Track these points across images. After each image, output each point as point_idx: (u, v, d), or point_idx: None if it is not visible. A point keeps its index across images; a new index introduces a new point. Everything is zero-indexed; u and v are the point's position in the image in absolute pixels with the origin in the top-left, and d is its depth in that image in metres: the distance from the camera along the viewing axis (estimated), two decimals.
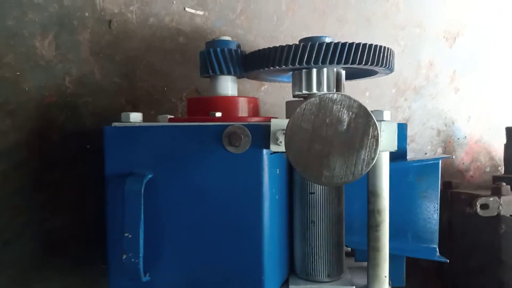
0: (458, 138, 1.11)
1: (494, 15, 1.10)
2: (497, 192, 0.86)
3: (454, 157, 0.85)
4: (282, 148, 0.55)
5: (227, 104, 0.65)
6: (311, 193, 0.62)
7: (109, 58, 0.82)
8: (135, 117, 0.61)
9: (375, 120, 0.41)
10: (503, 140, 1.02)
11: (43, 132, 0.79)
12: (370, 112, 0.41)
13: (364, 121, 0.41)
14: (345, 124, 0.41)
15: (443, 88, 1.08)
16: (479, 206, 0.85)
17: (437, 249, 0.70)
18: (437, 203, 0.70)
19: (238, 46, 0.68)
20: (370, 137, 0.41)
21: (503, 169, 1.05)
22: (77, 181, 0.81)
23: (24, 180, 0.78)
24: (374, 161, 0.42)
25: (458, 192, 0.97)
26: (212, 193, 0.58)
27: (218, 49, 0.66)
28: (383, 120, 0.56)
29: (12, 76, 0.77)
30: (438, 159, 0.69)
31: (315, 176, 0.42)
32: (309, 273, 0.63)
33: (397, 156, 0.69)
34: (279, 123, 0.54)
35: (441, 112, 1.08)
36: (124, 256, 0.55)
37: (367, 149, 0.41)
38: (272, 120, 0.54)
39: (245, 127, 0.56)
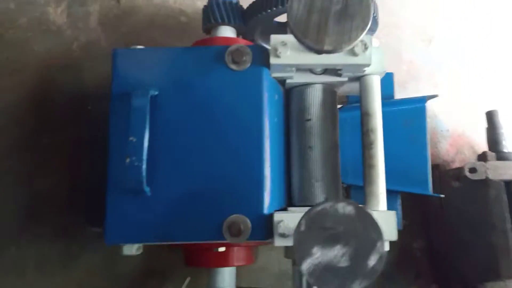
0: (442, 130, 1.16)
1: (466, 20, 1.21)
2: (483, 158, 0.89)
3: (438, 95, 0.87)
4: (282, 60, 0.59)
5: (229, 43, 0.70)
6: (307, 120, 0.65)
7: (115, 30, 0.88)
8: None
9: None
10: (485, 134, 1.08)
11: (44, 92, 0.82)
12: None
13: None
14: None
15: (424, 83, 1.16)
16: (467, 170, 0.87)
17: (430, 187, 0.71)
18: (426, 145, 0.73)
19: (238, 1, 0.75)
20: (363, 6, 0.46)
21: None
22: (72, 145, 0.82)
23: (18, 137, 0.80)
24: (367, 27, 0.46)
25: (446, 170, 1.00)
26: (214, 111, 0.61)
27: (220, 0, 0.72)
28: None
29: (23, 37, 0.82)
30: (423, 101, 0.74)
31: (315, 41, 0.46)
32: (307, 198, 0.63)
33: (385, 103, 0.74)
34: (279, 37, 0.59)
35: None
36: (128, 160, 0.55)
37: (361, 16, 0.46)
38: (271, 35, 0.59)
39: (247, 46, 0.61)
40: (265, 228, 0.57)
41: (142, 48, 0.64)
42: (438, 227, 0.96)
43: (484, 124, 1.09)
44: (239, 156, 0.59)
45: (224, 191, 0.58)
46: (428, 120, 1.14)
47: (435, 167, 1.03)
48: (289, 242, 0.55)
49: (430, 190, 0.71)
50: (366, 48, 0.57)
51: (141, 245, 0.62)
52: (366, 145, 0.62)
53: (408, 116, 0.73)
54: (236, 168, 0.59)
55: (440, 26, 1.19)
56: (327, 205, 0.42)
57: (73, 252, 0.79)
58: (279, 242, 0.55)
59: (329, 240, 0.41)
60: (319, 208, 0.42)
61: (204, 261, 0.65)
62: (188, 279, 0.83)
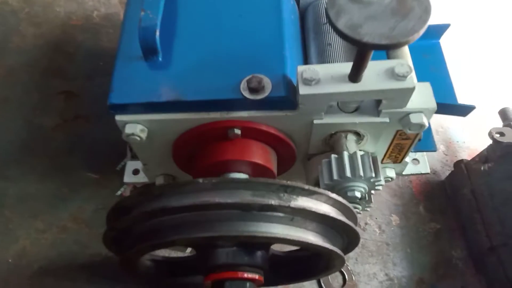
0: (458, 141, 1.12)
1: (469, 31, 1.27)
2: (508, 126, 0.85)
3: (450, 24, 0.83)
4: None
5: None
6: (324, 24, 0.64)
7: None
8: None
9: None
10: None
11: (61, 44, 0.83)
12: None
13: None
14: None
15: None
16: (495, 133, 0.82)
17: (457, 99, 0.66)
18: (447, 70, 0.71)
19: None
20: None
21: None
22: (81, 94, 0.80)
23: (28, 78, 0.78)
24: None
25: (471, 159, 0.93)
26: None
27: None
28: None
29: (49, 1, 0.86)
30: (437, 36, 0.74)
31: None
32: None
33: None
34: None
35: (433, 118, 1.12)
36: (142, 13, 0.53)
37: None
38: None
39: None
40: (286, 86, 0.52)
41: None
42: (477, 224, 0.85)
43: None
44: (259, 25, 0.57)
45: (243, 53, 0.54)
46: (441, 129, 1.12)
47: (460, 161, 0.97)
48: (314, 90, 0.49)
49: (457, 101, 0.66)
50: None
51: (146, 129, 0.54)
52: None
53: (426, 51, 0.73)
54: (257, 32, 0.56)
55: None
56: None
57: (62, 194, 0.68)
58: (303, 90, 0.49)
59: None
60: None
61: (217, 153, 0.56)
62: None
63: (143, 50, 0.53)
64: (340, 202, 0.46)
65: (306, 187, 0.43)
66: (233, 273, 0.49)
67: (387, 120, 0.53)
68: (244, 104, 0.52)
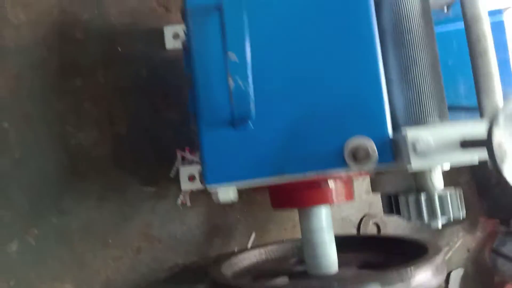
0: None
1: None
2: None
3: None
4: None
5: None
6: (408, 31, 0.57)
7: None
8: None
9: None
10: None
11: (65, 28, 0.67)
12: None
13: None
14: None
15: None
16: None
17: None
18: (507, 54, 0.68)
19: None
20: None
21: None
22: (104, 90, 0.69)
23: (41, 83, 0.65)
24: None
25: None
26: (312, 22, 0.51)
27: None
28: None
29: None
30: (499, 14, 0.68)
31: None
32: (418, 118, 0.55)
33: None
34: None
35: None
36: (232, 83, 0.45)
37: None
38: None
39: None
40: (390, 149, 0.50)
41: None
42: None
43: None
44: (350, 71, 0.50)
45: (338, 111, 0.49)
46: None
47: None
48: (426, 162, 0.48)
49: None
50: None
51: (236, 189, 0.52)
52: (477, 52, 0.55)
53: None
54: (350, 85, 0.50)
55: None
56: None
57: (124, 214, 0.67)
58: (416, 162, 0.47)
59: None
60: None
61: (305, 199, 0.56)
62: (253, 235, 0.75)
63: (234, 120, 0.47)
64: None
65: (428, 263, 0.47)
66: None
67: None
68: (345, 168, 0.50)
